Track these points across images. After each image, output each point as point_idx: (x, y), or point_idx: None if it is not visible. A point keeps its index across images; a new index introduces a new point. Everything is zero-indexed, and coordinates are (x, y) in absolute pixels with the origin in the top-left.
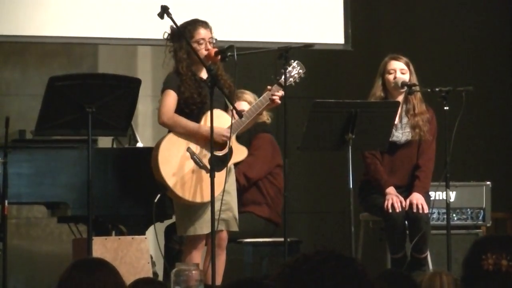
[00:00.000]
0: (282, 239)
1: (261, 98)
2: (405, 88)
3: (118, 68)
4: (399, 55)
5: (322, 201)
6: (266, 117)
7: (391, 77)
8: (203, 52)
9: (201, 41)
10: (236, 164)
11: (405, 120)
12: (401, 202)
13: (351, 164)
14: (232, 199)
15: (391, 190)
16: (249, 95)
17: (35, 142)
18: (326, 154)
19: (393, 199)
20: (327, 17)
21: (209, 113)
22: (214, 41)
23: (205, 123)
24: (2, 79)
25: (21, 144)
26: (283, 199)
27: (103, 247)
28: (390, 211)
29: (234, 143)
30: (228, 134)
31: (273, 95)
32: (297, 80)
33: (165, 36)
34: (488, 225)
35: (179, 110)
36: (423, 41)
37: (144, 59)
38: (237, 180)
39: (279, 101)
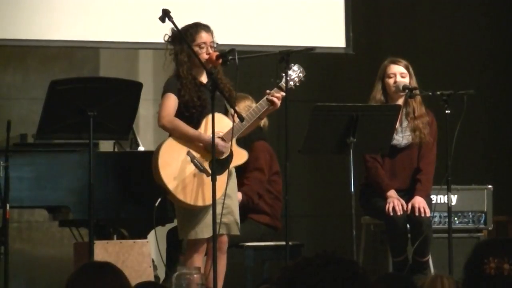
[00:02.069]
0: (283, 243)
1: (260, 101)
2: (406, 91)
3: (120, 72)
4: (399, 58)
5: (324, 204)
6: (262, 122)
7: (391, 81)
8: (204, 56)
9: (203, 45)
10: (246, 177)
11: (405, 123)
12: (402, 205)
13: (353, 167)
14: (233, 202)
15: (392, 193)
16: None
17: (36, 146)
18: (327, 158)
19: (394, 202)
20: (328, 21)
21: (209, 116)
22: (215, 45)
23: (205, 127)
24: (4, 83)
25: (23, 148)
26: (281, 204)
27: (105, 251)
28: (391, 214)
29: (234, 146)
30: (225, 150)
31: (271, 96)
32: (297, 84)
33: (166, 39)
34: (490, 228)
35: (179, 113)
36: (424, 44)
37: (146, 63)
38: (250, 198)
39: (278, 103)
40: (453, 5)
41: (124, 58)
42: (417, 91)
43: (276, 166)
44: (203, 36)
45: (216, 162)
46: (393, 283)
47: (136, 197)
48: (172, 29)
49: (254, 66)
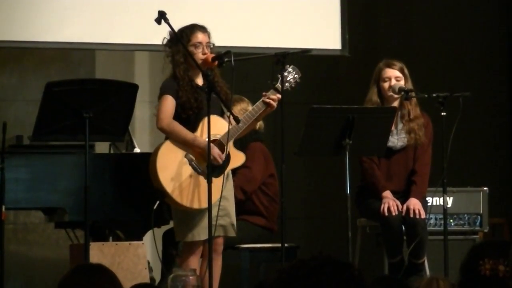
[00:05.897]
0: (279, 245)
1: (257, 103)
2: (401, 93)
3: (116, 74)
4: (394, 61)
5: (319, 206)
6: (257, 125)
7: (386, 85)
8: (199, 56)
9: (198, 45)
10: (233, 173)
11: (400, 125)
12: (397, 206)
13: (348, 169)
14: (230, 204)
15: (387, 194)
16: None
17: (32, 148)
18: (323, 160)
19: (390, 202)
20: (324, 23)
21: (206, 119)
22: (212, 46)
23: (202, 129)
24: (0, 84)
25: (19, 149)
26: (277, 206)
27: (100, 253)
28: (387, 214)
29: (231, 149)
30: (221, 159)
31: (268, 98)
32: (293, 85)
33: (164, 42)
34: (485, 230)
35: (176, 115)
36: (420, 46)
37: (142, 65)
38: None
39: (275, 105)
40: (449, 7)
41: (120, 60)
42: (413, 93)
43: (272, 168)
44: (199, 36)
45: (213, 165)
46: (389, 285)
47: (132, 199)
48: (170, 32)
49: (250, 68)
